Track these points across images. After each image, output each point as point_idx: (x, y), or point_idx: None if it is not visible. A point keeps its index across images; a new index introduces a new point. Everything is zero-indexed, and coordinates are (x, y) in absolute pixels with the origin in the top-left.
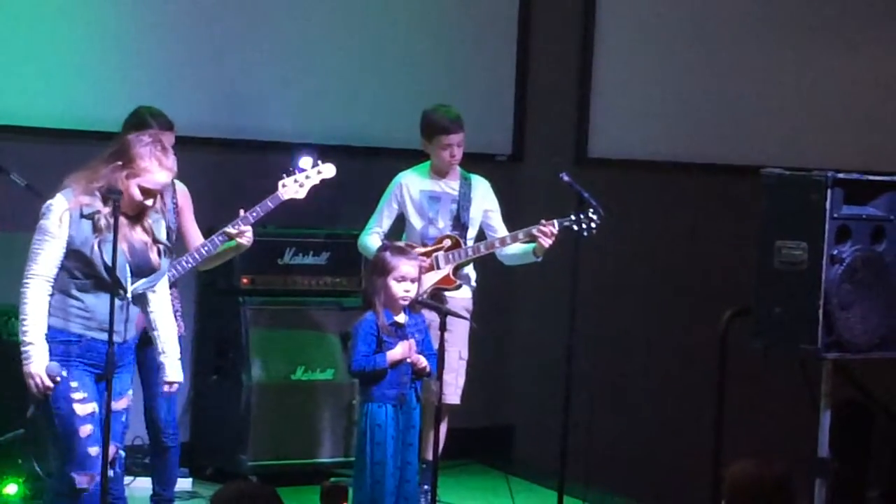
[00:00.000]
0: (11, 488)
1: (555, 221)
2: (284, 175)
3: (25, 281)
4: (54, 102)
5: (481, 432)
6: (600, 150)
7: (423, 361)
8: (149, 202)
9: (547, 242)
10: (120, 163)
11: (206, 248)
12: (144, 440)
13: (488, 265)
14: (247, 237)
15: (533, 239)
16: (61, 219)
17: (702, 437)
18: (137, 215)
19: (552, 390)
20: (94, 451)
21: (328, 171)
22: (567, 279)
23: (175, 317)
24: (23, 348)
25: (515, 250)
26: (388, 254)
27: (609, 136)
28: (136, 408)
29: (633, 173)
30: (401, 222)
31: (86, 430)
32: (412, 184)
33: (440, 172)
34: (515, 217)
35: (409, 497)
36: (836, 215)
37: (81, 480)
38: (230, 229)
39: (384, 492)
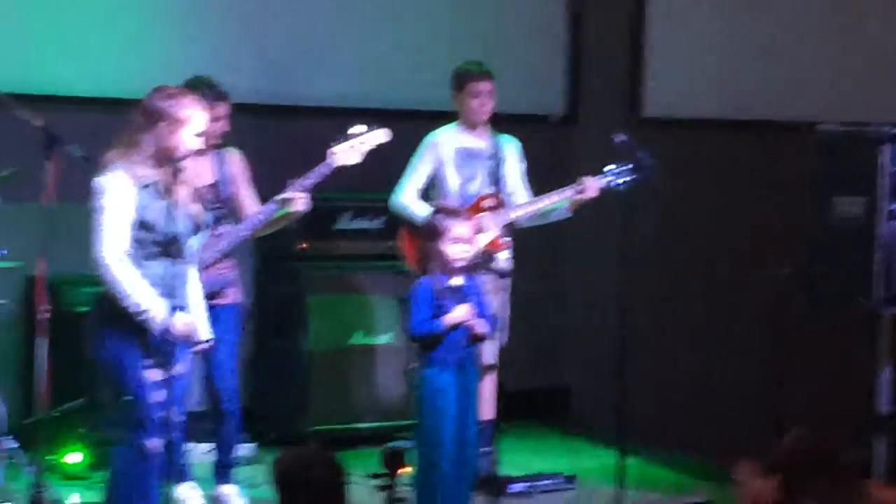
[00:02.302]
0: (74, 457)
1: (598, 177)
2: (337, 141)
3: (103, 262)
4: (107, 72)
5: (538, 393)
6: (654, 109)
7: (481, 325)
8: (200, 146)
9: (591, 195)
10: (161, 123)
11: (261, 216)
12: (206, 406)
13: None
14: (302, 204)
15: (577, 194)
16: (121, 193)
17: (760, 394)
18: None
19: (607, 349)
20: (162, 416)
21: (382, 135)
22: (618, 238)
23: (233, 285)
24: (143, 317)
25: (549, 208)
26: (440, 216)
27: (663, 95)
28: (197, 374)
29: (688, 132)
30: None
31: (156, 396)
32: (447, 141)
33: (471, 126)
34: (569, 178)
35: (468, 459)
36: (893, 170)
37: (152, 446)
38: (285, 196)
39: (444, 455)
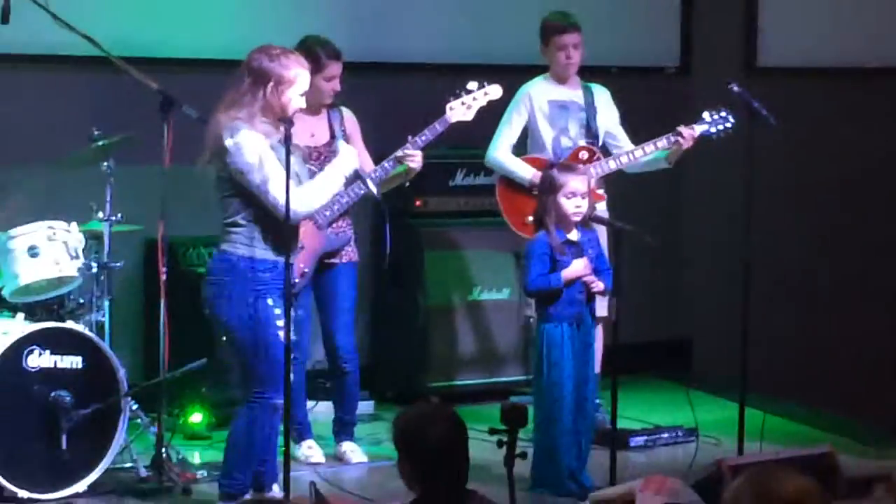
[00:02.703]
0: (197, 417)
1: (694, 126)
2: (451, 97)
3: (276, 198)
4: (217, 34)
5: (659, 346)
6: (769, 58)
7: (598, 278)
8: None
9: (687, 145)
10: (270, 83)
11: (376, 174)
12: (325, 365)
13: (656, 176)
14: (417, 161)
15: (673, 145)
16: (261, 146)
17: (885, 348)
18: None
19: (729, 302)
20: (292, 375)
21: (495, 91)
22: (737, 189)
23: (350, 244)
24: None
25: (648, 157)
26: (555, 171)
27: (778, 43)
28: (316, 332)
29: (803, 81)
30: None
31: (286, 355)
32: (539, 93)
33: (560, 79)
34: None
35: (587, 413)
36: None
37: (280, 404)
38: (400, 153)
39: (563, 409)
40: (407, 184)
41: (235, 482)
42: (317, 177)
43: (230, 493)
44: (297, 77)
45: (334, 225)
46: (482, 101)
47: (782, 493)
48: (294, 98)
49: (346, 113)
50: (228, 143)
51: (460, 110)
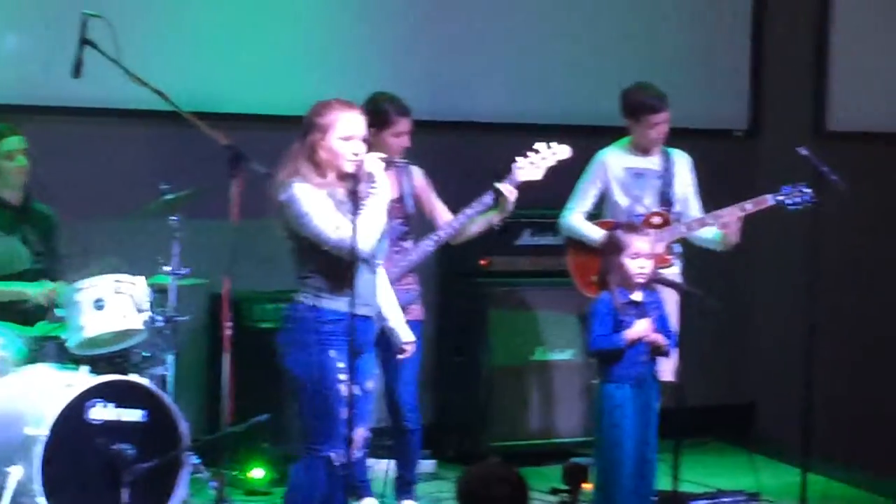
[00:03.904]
0: (258, 472)
1: (767, 196)
2: (519, 158)
3: (335, 238)
4: (287, 91)
5: (722, 410)
6: (839, 123)
7: (661, 339)
8: (358, 152)
9: (731, 230)
10: (311, 133)
11: (472, 209)
12: (387, 423)
13: None
14: (514, 194)
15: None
16: (314, 194)
17: None
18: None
19: (793, 367)
20: (349, 431)
21: (563, 151)
22: (805, 254)
23: (417, 301)
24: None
25: (707, 235)
26: (620, 232)
27: (848, 108)
28: (380, 391)
29: (873, 146)
30: (600, 202)
31: (345, 411)
32: (615, 161)
33: (644, 150)
34: (752, 193)
35: (648, 475)
36: None
37: (338, 457)
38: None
39: (624, 472)
40: (499, 225)
41: None
42: (363, 210)
43: None
44: (335, 122)
45: (403, 280)
46: (550, 161)
47: None
48: (339, 145)
49: (415, 170)
50: (283, 197)
51: (529, 169)
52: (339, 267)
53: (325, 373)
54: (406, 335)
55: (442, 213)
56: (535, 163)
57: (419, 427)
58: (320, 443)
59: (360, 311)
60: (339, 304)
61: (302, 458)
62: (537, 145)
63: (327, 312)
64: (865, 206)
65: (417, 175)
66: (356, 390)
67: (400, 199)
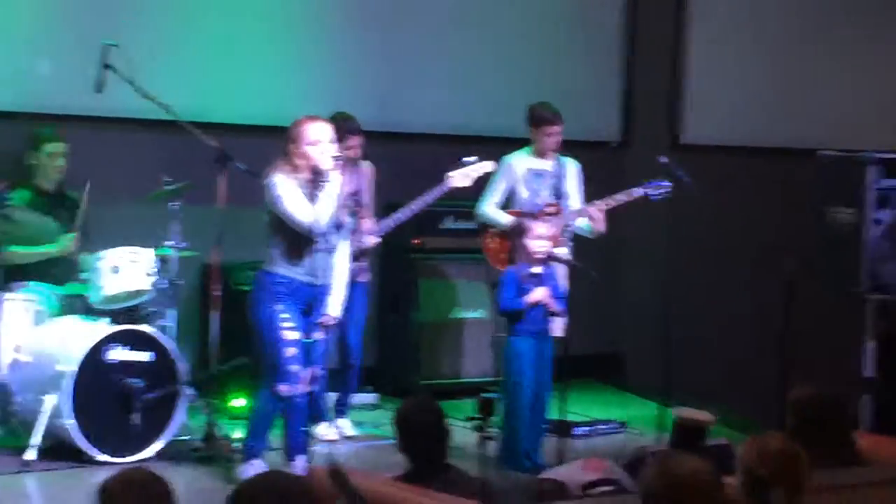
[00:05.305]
0: (238, 401)
1: (632, 190)
2: (452, 167)
3: (298, 217)
4: (263, 104)
5: (599, 357)
6: (692, 137)
7: (554, 303)
8: (325, 151)
9: (598, 223)
10: (291, 143)
11: (416, 204)
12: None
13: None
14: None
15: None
16: (288, 184)
17: (769, 364)
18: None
19: (656, 323)
20: (294, 368)
21: (489, 166)
22: (665, 238)
23: (366, 269)
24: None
25: (581, 224)
26: (525, 219)
27: (699, 125)
28: (334, 338)
29: (717, 156)
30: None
31: (289, 351)
32: (519, 163)
33: (542, 154)
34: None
35: (543, 408)
36: (877, 187)
37: (283, 390)
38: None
39: (524, 404)
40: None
41: (249, 447)
42: (319, 197)
43: (247, 455)
44: (303, 132)
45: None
46: (479, 172)
47: (680, 471)
48: (308, 149)
49: (366, 166)
50: (265, 182)
51: (459, 178)
52: (297, 242)
53: (272, 323)
54: (332, 310)
55: (365, 213)
56: (467, 173)
57: (359, 364)
58: (271, 378)
59: (304, 278)
60: (289, 271)
61: (260, 391)
62: (469, 158)
63: (278, 276)
64: (711, 202)
65: (366, 170)
66: (297, 336)
67: (356, 193)
